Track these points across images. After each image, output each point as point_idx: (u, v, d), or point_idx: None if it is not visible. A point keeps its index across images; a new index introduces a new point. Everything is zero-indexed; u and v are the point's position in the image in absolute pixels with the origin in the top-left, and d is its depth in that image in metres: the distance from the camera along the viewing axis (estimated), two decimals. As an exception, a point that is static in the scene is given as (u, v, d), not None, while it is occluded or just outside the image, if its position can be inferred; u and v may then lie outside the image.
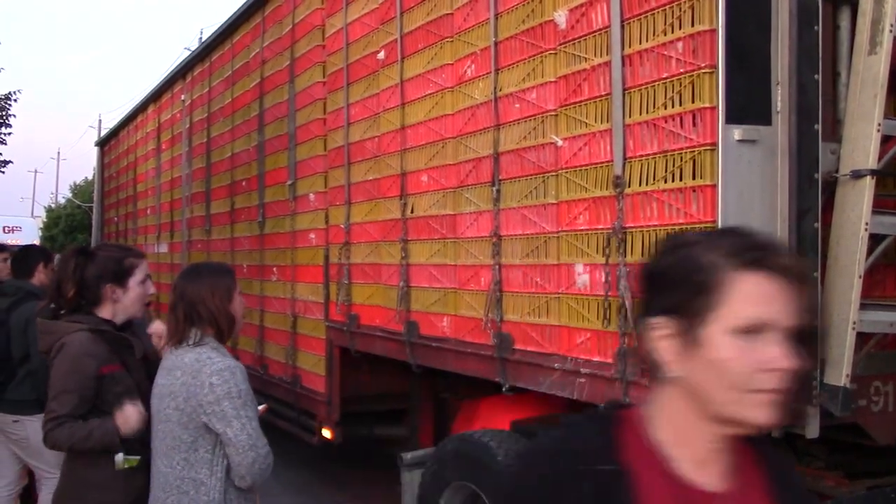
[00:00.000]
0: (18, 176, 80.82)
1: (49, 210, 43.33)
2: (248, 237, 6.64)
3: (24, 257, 4.71)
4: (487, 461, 3.32)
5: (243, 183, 6.79)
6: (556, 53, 3.11)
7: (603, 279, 2.84)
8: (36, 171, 50.27)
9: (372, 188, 4.56)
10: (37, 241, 15.37)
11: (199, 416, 2.40)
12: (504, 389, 3.42)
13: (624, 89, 2.76)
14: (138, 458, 2.62)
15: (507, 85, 3.38)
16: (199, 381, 2.40)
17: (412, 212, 4.13)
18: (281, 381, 5.87)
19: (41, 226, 35.78)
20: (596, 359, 2.91)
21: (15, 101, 22.10)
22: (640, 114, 2.70)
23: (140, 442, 2.61)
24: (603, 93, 2.86)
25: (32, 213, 40.86)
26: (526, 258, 3.27)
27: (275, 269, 6.08)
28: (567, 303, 3.05)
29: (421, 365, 4.11)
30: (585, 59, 2.95)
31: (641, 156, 2.70)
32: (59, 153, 64.99)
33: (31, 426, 4.22)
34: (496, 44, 3.43)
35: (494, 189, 3.43)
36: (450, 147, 3.80)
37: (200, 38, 29.51)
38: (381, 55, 4.40)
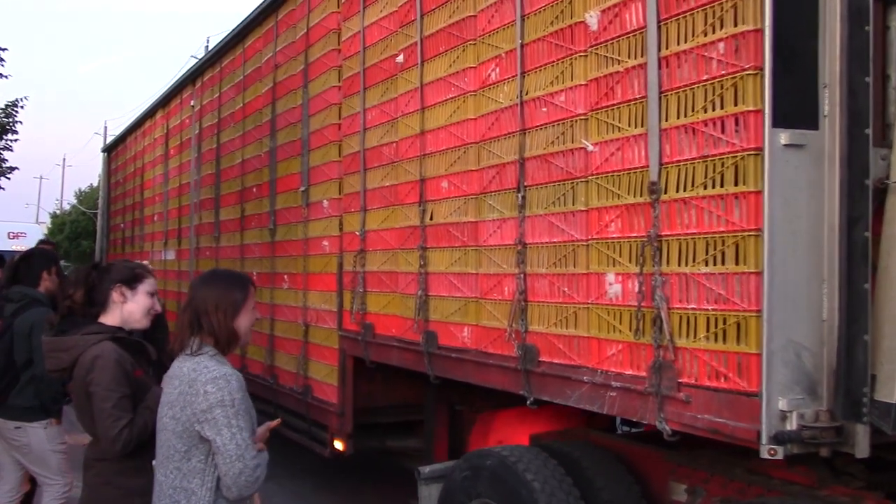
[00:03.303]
0: (24, 182, 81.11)
1: (54, 216, 43.42)
2: (259, 244, 6.54)
3: (27, 264, 4.61)
4: (515, 482, 3.21)
5: (254, 189, 6.70)
6: (586, 56, 3.01)
7: (636, 289, 2.73)
8: (41, 178, 50.51)
9: (389, 194, 4.46)
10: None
11: (192, 424, 2.41)
12: (529, 403, 3.30)
13: (660, 92, 2.65)
14: None
15: (534, 88, 3.28)
16: (194, 390, 2.41)
17: (431, 219, 4.02)
18: (291, 392, 5.76)
19: (46, 232, 35.79)
20: (628, 372, 2.80)
21: (21, 108, 22.11)
22: (678, 117, 2.60)
23: None
24: (637, 96, 2.76)
25: (37, 220, 40.91)
26: (553, 267, 3.17)
27: (286, 276, 5.98)
28: (597, 313, 2.94)
29: (439, 376, 4.00)
30: (619, 61, 2.85)
31: (679, 161, 2.59)
32: (64, 160, 65.28)
33: (34, 433, 4.28)
34: (522, 46, 3.33)
35: (520, 195, 3.32)
36: (472, 152, 3.70)
37: (207, 47, 29.53)
38: (400, 59, 4.31)
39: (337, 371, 5.09)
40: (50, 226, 40.31)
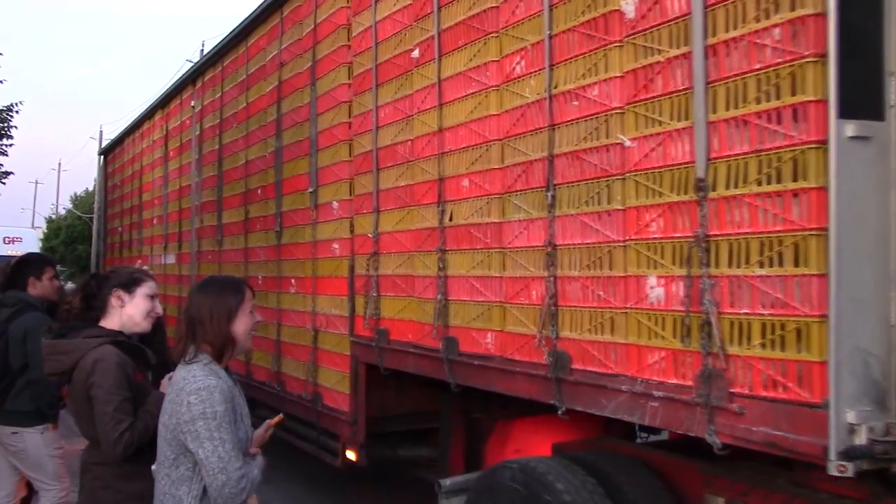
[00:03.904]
0: (19, 187, 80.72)
1: (49, 221, 43.38)
2: (264, 247, 6.36)
3: (21, 269, 4.65)
4: (544, 495, 3.03)
5: (258, 191, 6.53)
6: (622, 46, 2.85)
7: (682, 292, 2.56)
8: (37, 182, 50.25)
9: (404, 195, 4.29)
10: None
11: (178, 434, 2.44)
12: (560, 413, 3.13)
13: (707, 83, 2.49)
14: None
15: (564, 81, 3.11)
16: (179, 400, 2.43)
17: (451, 220, 3.85)
18: (300, 399, 5.58)
19: (41, 236, 35.74)
20: (672, 381, 2.63)
21: (17, 112, 21.95)
22: (727, 109, 2.43)
23: None
24: (681, 87, 2.60)
25: (33, 224, 40.83)
26: (586, 270, 3.00)
27: (293, 280, 5.80)
28: (636, 318, 2.77)
29: (460, 385, 3.83)
30: (659, 51, 2.68)
31: (728, 156, 2.43)
32: (59, 164, 64.97)
33: (30, 438, 4.30)
34: (551, 37, 3.17)
35: (549, 194, 3.16)
36: (494, 150, 3.53)
37: (202, 51, 29.43)
38: (416, 54, 4.14)
39: (349, 378, 4.91)
40: (46, 230, 40.23)
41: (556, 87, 3.15)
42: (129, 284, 3.00)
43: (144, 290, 3.03)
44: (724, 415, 2.43)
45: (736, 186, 2.40)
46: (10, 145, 22.09)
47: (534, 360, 3.27)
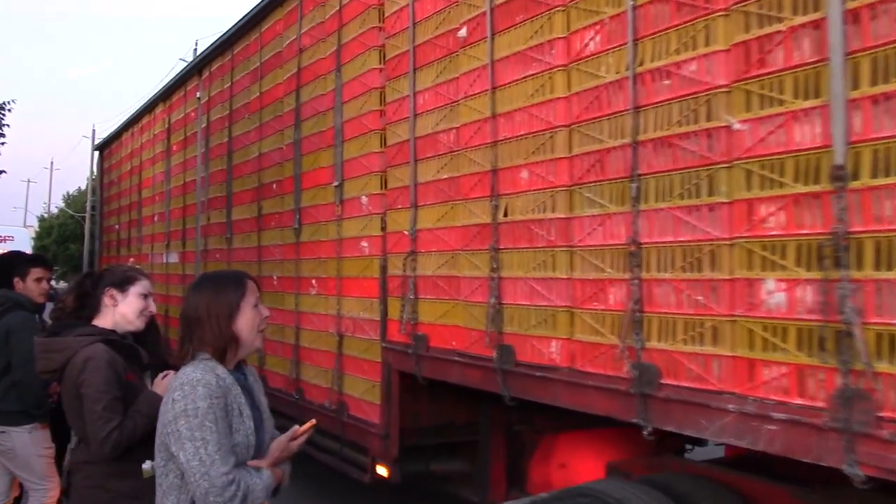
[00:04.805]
0: (11, 185, 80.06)
1: (42, 220, 43.24)
2: (280, 246, 5.97)
3: (2, 268, 4.64)
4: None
5: (273, 186, 6.14)
6: (727, 15, 2.48)
7: (812, 299, 2.20)
8: (29, 181, 49.87)
9: (448, 188, 3.92)
10: (29, 251, 14.79)
11: (164, 436, 2.26)
12: (646, 433, 2.77)
13: (846, 54, 2.13)
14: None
15: (652, 58, 2.74)
16: (167, 398, 2.27)
17: (506, 215, 3.48)
18: (321, 409, 5.20)
19: (33, 235, 35.48)
20: (797, 401, 2.26)
21: (9, 111, 21.49)
22: (873, 84, 2.07)
23: None
24: (808, 60, 2.23)
25: (25, 223, 40.47)
26: (680, 271, 2.63)
27: (314, 281, 5.42)
28: (748, 328, 2.40)
29: (516, 398, 3.45)
30: (779, 19, 2.32)
31: (875, 139, 2.07)
32: (52, 163, 64.39)
33: (18, 437, 4.26)
34: (634, 8, 2.80)
35: (634, 186, 2.79)
36: (560, 137, 3.16)
37: (195, 50, 29.00)
38: (463, 33, 3.77)
39: (379, 387, 4.54)
40: (38, 229, 39.90)
41: (640, 65, 2.78)
42: (123, 283, 2.97)
43: (138, 288, 2.99)
44: (869, 443, 2.07)
45: (886, 175, 2.04)
46: (2, 143, 21.63)
47: (610, 373, 2.91)
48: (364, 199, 4.74)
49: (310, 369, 5.47)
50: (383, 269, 4.51)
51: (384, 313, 4.50)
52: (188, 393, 2.21)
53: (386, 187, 4.52)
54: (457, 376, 3.85)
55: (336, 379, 5.00)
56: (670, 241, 2.67)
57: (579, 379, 3.05)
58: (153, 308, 3.06)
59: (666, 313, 2.69)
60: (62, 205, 40.96)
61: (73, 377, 2.77)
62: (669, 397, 2.66)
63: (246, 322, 2.36)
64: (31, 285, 4.55)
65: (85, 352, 2.77)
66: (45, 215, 44.26)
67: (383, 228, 4.53)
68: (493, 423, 4.49)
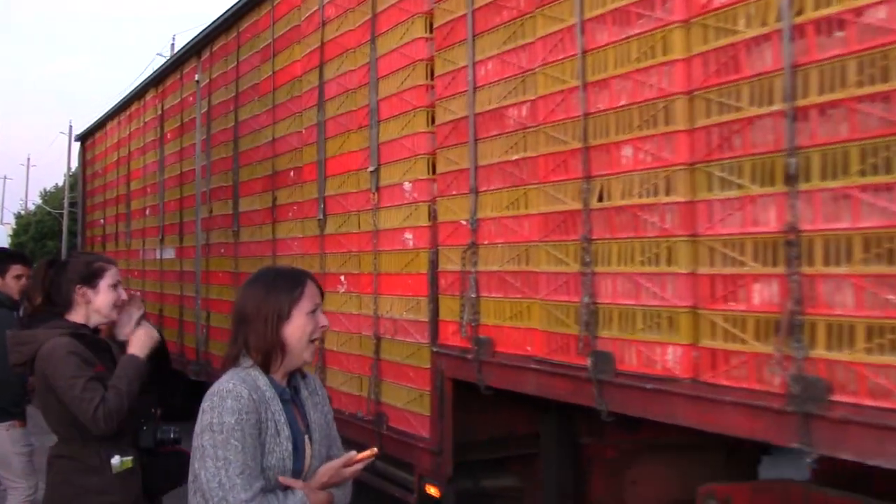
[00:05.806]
0: (-13, 182, 78.25)
1: (19, 217, 42.74)
2: (300, 239, 5.43)
3: None
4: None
5: (290, 173, 5.60)
6: (932, -54, 2.00)
7: None
8: (5, 178, 49.18)
9: (519, 170, 3.41)
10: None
11: (193, 450, 2.06)
12: (810, 460, 2.28)
13: None
14: (131, 458, 2.73)
15: (817, 4, 2.26)
16: (200, 409, 2.06)
17: (601, 200, 2.99)
18: (353, 419, 4.68)
19: (10, 233, 34.86)
20: None
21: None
22: None
23: (133, 444, 2.79)
24: None
25: (2, 221, 39.86)
26: (860, 265, 2.15)
27: (342, 277, 4.89)
28: (968, 334, 1.93)
29: (616, 413, 2.96)
30: None
31: None
32: (28, 160, 63.25)
33: None
34: (790, -54, 2.31)
35: (792, 161, 2.30)
36: (678, 106, 2.67)
37: (173, 45, 28.20)
38: (540, -10, 3.26)
39: (429, 397, 4.03)
40: (15, 226, 39.17)
41: (800, 14, 2.29)
42: (91, 278, 2.88)
43: (108, 280, 2.91)
44: None
45: None
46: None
47: (756, 387, 2.42)
48: (407, 186, 4.22)
49: (337, 375, 4.95)
50: (433, 263, 4.00)
51: (434, 313, 3.99)
52: (216, 405, 2.00)
53: (435, 172, 4.01)
54: (533, 386, 3.36)
55: (373, 386, 4.49)
56: (847, 228, 2.18)
57: (710, 393, 2.56)
58: (125, 296, 2.97)
59: (838, 316, 2.20)
60: (39, 201, 40.39)
61: (41, 369, 2.74)
62: (846, 418, 2.18)
63: (296, 329, 2.10)
64: (11, 282, 4.48)
65: (49, 344, 2.73)
66: (23, 212, 43.92)
67: (432, 218, 4.02)
68: (558, 436, 4.03)
